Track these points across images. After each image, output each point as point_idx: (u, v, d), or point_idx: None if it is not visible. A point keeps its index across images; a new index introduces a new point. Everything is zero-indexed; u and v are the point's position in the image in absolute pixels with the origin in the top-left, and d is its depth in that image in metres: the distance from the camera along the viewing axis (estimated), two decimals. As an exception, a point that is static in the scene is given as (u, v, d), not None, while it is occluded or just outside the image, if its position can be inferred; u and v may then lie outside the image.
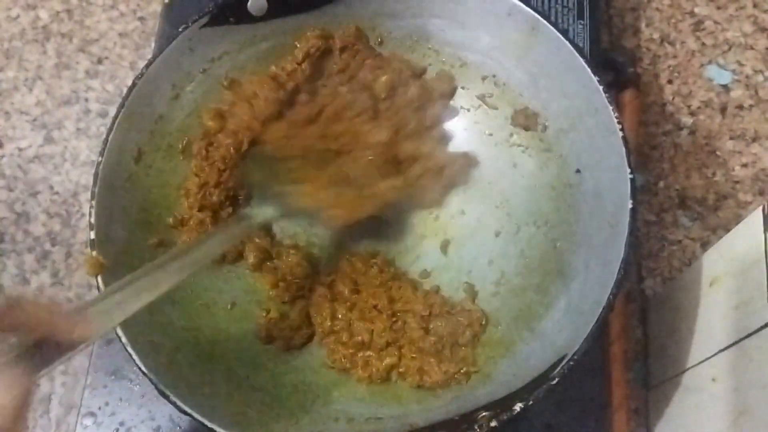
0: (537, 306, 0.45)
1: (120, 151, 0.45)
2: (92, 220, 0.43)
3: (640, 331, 0.53)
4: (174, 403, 0.39)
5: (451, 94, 0.51)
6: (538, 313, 0.45)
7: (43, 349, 0.30)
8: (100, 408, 0.48)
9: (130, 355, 0.40)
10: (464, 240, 0.50)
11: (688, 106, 0.59)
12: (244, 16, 0.48)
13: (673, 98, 0.59)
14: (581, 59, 0.44)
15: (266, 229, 0.50)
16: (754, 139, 0.57)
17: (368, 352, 0.46)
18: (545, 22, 0.45)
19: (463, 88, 0.52)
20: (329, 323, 0.47)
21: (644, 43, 0.61)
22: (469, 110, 0.52)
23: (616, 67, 0.57)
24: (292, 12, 0.49)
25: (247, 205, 0.49)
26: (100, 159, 0.44)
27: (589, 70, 0.44)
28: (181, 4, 0.59)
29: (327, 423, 0.43)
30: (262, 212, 0.44)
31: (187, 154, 0.49)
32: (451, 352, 0.45)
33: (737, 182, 0.56)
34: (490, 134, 0.51)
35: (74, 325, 0.31)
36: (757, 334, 0.37)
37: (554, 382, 0.38)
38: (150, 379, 0.39)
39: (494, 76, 0.50)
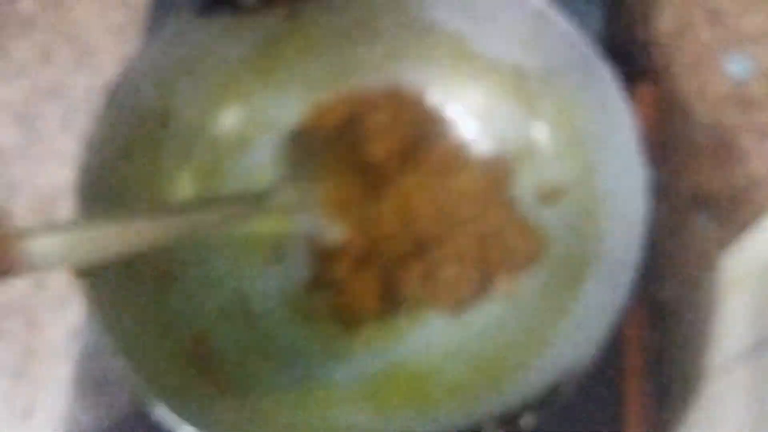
0: (545, 314, 0.44)
1: (106, 146, 0.44)
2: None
3: (655, 339, 0.51)
4: (171, 409, 0.38)
5: None
6: (546, 322, 0.43)
7: None
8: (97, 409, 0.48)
9: (123, 359, 0.39)
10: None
11: (705, 101, 0.58)
12: (236, 6, 0.47)
13: (689, 92, 0.58)
14: (592, 51, 0.43)
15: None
16: (773, 135, 0.56)
17: None
18: (554, 12, 0.44)
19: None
20: None
21: (658, 34, 0.60)
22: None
23: (629, 59, 0.56)
24: (285, 2, 0.48)
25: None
26: (85, 155, 0.43)
27: (600, 62, 0.43)
28: (171, -6, 0.58)
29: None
30: (284, 196, 0.43)
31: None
32: None
33: (756, 180, 0.55)
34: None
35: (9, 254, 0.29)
36: (783, 341, 0.36)
37: (564, 393, 0.38)
38: (145, 386, 0.39)
39: (500, 70, 0.49)
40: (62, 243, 0.32)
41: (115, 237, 0.34)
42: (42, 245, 0.31)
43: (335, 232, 0.45)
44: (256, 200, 0.42)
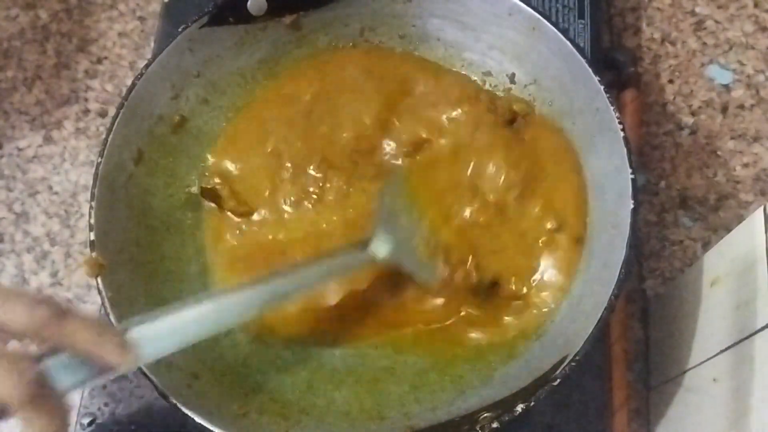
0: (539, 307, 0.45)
1: (120, 151, 0.45)
2: (92, 220, 0.42)
3: (641, 332, 0.53)
4: (174, 405, 0.39)
5: None
6: (540, 315, 0.44)
7: (74, 365, 0.28)
8: (99, 408, 0.48)
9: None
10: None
11: (689, 106, 0.59)
12: (243, 16, 0.48)
13: (674, 98, 0.59)
14: (582, 59, 0.44)
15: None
16: (755, 139, 0.57)
17: None
18: (546, 21, 0.45)
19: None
20: None
21: (645, 42, 0.61)
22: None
23: (617, 66, 0.57)
24: (292, 12, 0.49)
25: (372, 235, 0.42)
26: (99, 159, 0.44)
27: (589, 69, 0.44)
28: (181, 4, 0.59)
29: (328, 424, 0.43)
30: (384, 246, 0.41)
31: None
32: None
33: (738, 182, 0.56)
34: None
35: (119, 350, 0.28)
36: (759, 334, 0.37)
37: (556, 382, 0.38)
38: (150, 380, 0.39)
39: (494, 76, 0.50)
40: (166, 329, 0.31)
41: (217, 314, 0.33)
42: (145, 335, 0.30)
43: (435, 270, 0.44)
44: (361, 251, 0.40)
